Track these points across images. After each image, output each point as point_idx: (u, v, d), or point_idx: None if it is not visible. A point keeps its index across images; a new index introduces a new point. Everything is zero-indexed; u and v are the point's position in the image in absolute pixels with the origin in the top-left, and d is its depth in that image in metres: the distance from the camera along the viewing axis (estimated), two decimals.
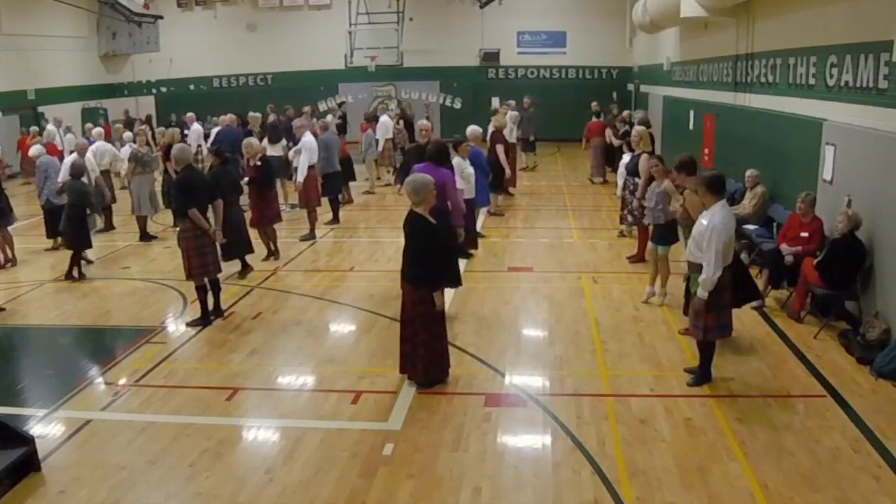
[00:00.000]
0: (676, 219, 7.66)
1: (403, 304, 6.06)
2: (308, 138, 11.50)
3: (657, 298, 8.11)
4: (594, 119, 17.28)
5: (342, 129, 17.91)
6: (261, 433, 5.51)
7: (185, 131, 16.83)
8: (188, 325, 7.77)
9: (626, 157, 10.10)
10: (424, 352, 5.98)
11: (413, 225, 5.90)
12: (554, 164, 19.09)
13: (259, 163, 10.06)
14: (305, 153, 11.25)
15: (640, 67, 22.63)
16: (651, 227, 8.30)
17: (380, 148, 16.18)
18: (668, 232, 8.05)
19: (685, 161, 7.22)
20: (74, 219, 9.59)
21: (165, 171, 11.68)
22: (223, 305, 8.05)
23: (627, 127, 14.66)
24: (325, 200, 12.21)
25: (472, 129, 10.82)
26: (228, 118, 15.20)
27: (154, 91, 25.74)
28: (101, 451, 5.19)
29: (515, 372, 6.44)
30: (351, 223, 12.85)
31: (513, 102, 17.99)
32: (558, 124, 21.34)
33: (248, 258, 9.52)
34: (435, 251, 5.91)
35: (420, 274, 5.88)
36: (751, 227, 9.48)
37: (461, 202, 7.81)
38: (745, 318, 7.49)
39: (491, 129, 13.18)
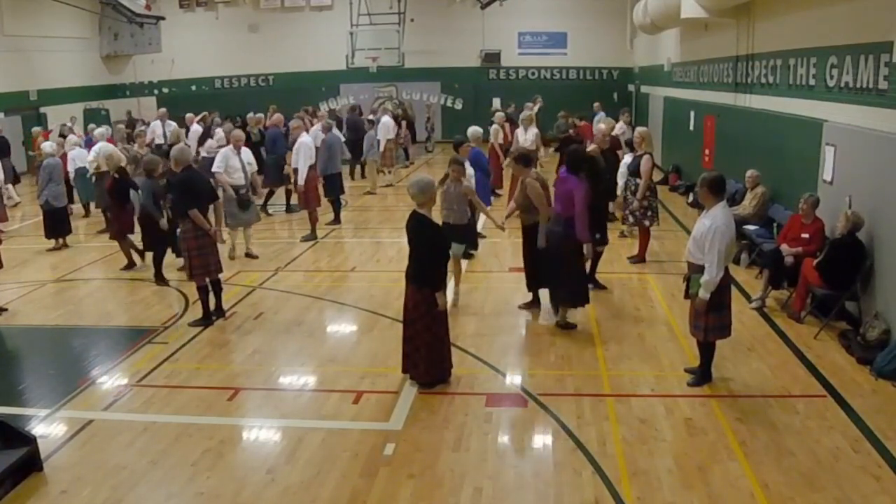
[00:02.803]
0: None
1: (405, 304, 6.08)
2: (305, 139, 11.51)
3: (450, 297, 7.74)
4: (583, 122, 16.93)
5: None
6: (262, 433, 5.53)
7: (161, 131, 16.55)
8: (190, 325, 7.78)
9: (628, 158, 10.11)
10: (426, 352, 5.99)
11: (416, 225, 5.92)
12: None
13: (117, 175, 10.20)
14: (304, 154, 11.26)
15: (640, 68, 22.66)
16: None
17: (381, 149, 16.20)
18: (466, 232, 8.11)
19: (521, 155, 7.89)
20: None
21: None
22: (225, 306, 8.07)
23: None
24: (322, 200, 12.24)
25: (473, 130, 10.85)
26: (277, 118, 14.82)
27: (156, 92, 25.78)
28: (102, 451, 5.21)
29: (516, 372, 6.45)
30: (352, 224, 12.87)
31: (530, 104, 17.85)
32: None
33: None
34: (437, 251, 5.92)
35: (422, 274, 5.89)
36: (751, 227, 9.50)
37: (585, 215, 7.13)
38: (745, 319, 7.50)
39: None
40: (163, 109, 17.86)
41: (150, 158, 10.07)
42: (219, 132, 17.56)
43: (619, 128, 14.09)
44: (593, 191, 7.54)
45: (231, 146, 10.32)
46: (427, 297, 5.87)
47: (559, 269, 7.22)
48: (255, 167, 10.97)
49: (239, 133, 10.75)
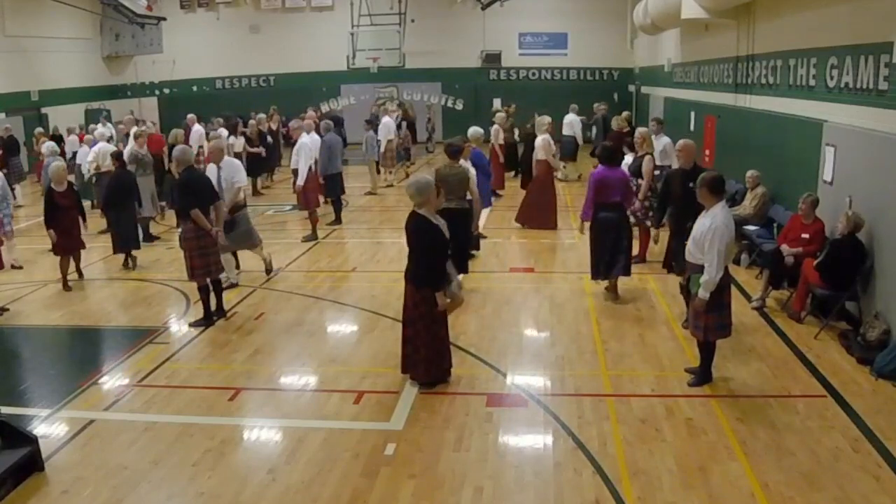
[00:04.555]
0: None
1: (405, 304, 6.09)
2: (305, 140, 11.53)
3: None
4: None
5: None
6: (263, 433, 5.54)
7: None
8: (191, 325, 7.79)
9: (629, 159, 10.11)
10: (426, 352, 6.00)
11: (415, 226, 5.92)
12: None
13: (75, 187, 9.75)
14: (304, 155, 11.28)
15: (641, 69, 22.68)
16: None
17: (382, 149, 16.22)
18: None
19: (449, 144, 8.60)
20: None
21: (168, 171, 11.75)
22: (225, 306, 8.08)
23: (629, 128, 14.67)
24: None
25: (474, 131, 10.86)
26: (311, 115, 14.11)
27: (157, 92, 25.82)
28: (103, 451, 5.22)
29: (517, 372, 6.46)
30: (353, 224, 12.89)
31: (575, 107, 17.68)
32: (559, 125, 21.37)
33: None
34: (437, 252, 5.92)
35: (422, 274, 5.90)
36: (751, 227, 9.50)
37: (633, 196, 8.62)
38: (745, 319, 7.51)
39: None
40: (129, 117, 17.44)
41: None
42: (222, 132, 17.66)
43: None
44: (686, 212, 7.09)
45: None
46: (427, 297, 5.88)
47: (620, 247, 8.14)
48: (242, 182, 9.06)
49: (216, 143, 9.43)
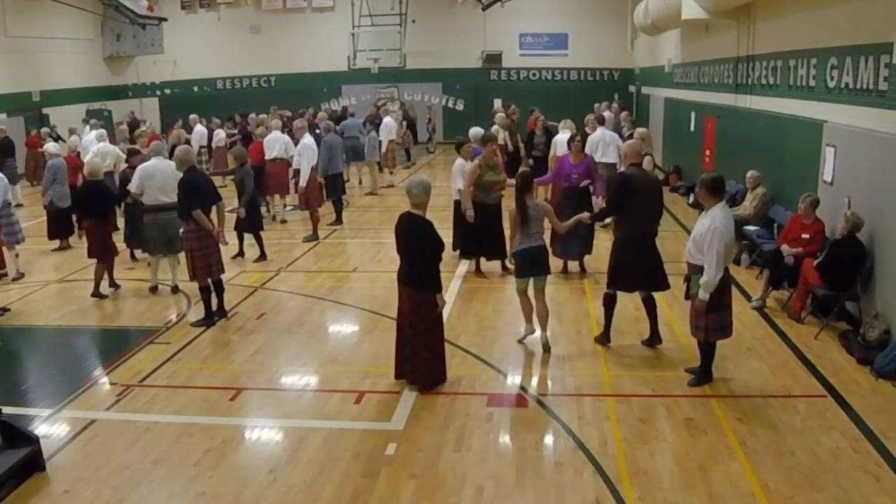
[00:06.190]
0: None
1: (401, 308, 6.06)
2: (307, 140, 11.53)
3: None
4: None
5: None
6: (264, 433, 5.55)
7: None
8: (192, 325, 7.81)
9: None
10: (427, 354, 5.98)
11: (412, 227, 5.89)
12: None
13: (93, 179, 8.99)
14: (307, 156, 11.29)
15: (641, 69, 22.67)
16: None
17: (383, 149, 16.24)
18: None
19: (483, 137, 9.41)
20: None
21: None
22: (227, 306, 8.09)
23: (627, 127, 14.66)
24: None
25: (475, 131, 10.86)
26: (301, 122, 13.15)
27: (158, 93, 25.82)
28: (105, 451, 5.23)
29: (517, 372, 6.47)
30: (354, 224, 12.90)
31: (606, 104, 17.55)
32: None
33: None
34: (437, 253, 5.90)
35: (423, 276, 5.87)
36: (752, 228, 9.51)
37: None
38: (745, 319, 7.52)
39: None
40: (94, 120, 17.17)
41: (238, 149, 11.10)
42: (220, 133, 17.71)
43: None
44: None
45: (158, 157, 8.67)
46: (427, 299, 5.86)
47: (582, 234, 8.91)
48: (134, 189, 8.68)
49: (160, 145, 9.33)
